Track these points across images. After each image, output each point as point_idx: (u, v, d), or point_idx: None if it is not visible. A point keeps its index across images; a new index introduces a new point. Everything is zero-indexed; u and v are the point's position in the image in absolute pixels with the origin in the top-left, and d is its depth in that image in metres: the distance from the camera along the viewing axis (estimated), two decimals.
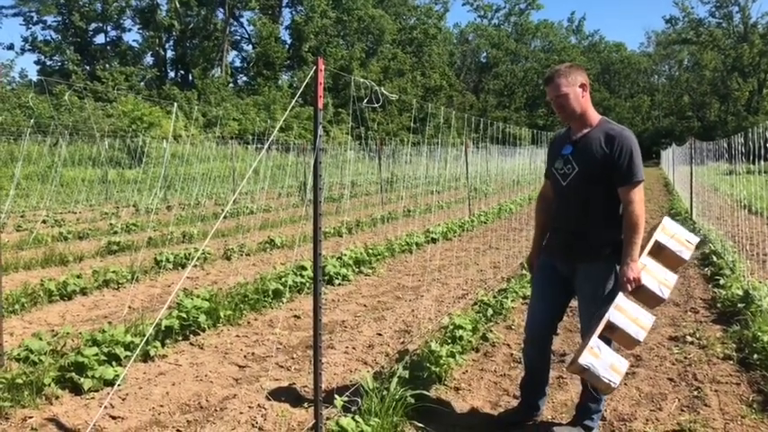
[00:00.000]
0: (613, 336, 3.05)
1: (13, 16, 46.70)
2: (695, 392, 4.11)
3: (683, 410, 3.85)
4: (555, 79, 3.23)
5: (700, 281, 7.62)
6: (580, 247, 3.27)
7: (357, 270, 8.05)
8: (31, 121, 21.00)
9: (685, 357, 4.79)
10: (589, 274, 3.28)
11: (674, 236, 3.28)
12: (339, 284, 7.39)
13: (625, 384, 4.24)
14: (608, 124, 3.26)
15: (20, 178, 16.20)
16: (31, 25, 46.36)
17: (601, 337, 3.05)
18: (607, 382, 2.91)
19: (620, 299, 3.08)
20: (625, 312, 3.04)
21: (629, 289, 3.08)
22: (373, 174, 25.32)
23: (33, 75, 46.41)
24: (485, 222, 13.65)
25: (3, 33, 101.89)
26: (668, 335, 5.40)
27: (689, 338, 5.22)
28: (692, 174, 13.90)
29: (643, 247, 3.21)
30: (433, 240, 10.70)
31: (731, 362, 4.67)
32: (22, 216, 14.05)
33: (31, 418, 3.67)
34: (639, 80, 75.48)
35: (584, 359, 2.93)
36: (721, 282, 6.90)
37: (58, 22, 46.70)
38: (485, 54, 70.09)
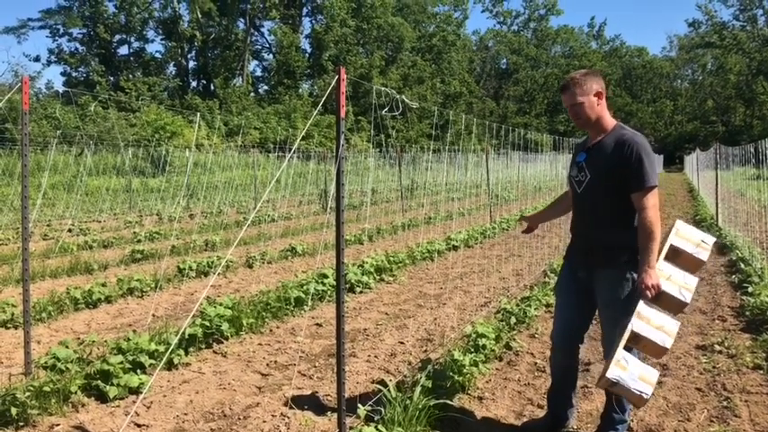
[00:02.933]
0: (639, 345, 3.00)
1: (39, 29, 47.87)
2: (724, 403, 4.03)
3: (712, 421, 3.78)
4: (570, 88, 3.26)
5: (727, 288, 7.49)
6: (597, 253, 3.27)
7: (378, 278, 8.04)
8: (58, 131, 21.39)
9: (714, 367, 4.70)
10: (606, 281, 3.26)
11: (688, 238, 3.22)
12: (360, 292, 7.39)
13: (652, 394, 4.17)
14: (621, 130, 3.25)
15: (46, 188, 16.48)
16: (57, 37, 47.42)
17: (626, 348, 3.00)
18: (639, 393, 2.84)
19: (642, 307, 3.03)
20: (648, 320, 2.99)
21: (650, 296, 3.03)
22: (393, 181, 25.34)
23: (59, 86, 47.37)
24: (506, 229, 13.57)
25: (30, 45, 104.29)
26: (695, 344, 5.30)
27: (717, 347, 5.12)
28: (717, 179, 13.67)
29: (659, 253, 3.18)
30: (455, 248, 10.66)
31: (761, 371, 4.57)
32: (48, 225, 14.28)
33: (57, 425, 3.72)
34: (662, 85, 74.61)
35: (612, 373, 2.86)
36: (749, 289, 6.77)
37: (84, 35, 47.67)
38: (505, 60, 69.88)
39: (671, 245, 3.21)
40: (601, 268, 3.27)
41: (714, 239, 3.33)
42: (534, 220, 3.97)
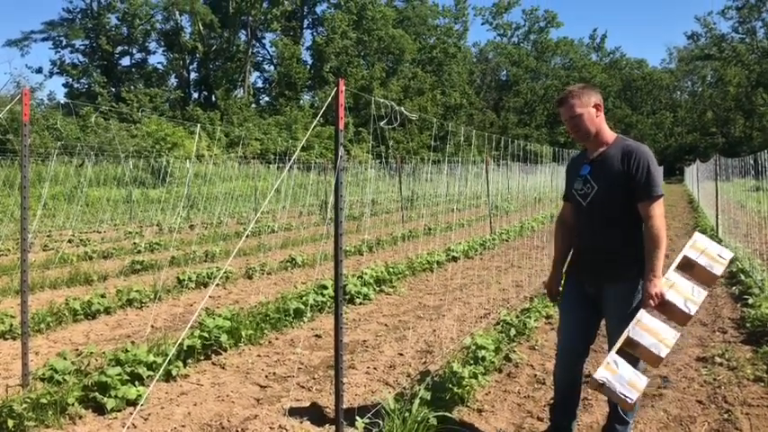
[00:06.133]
0: (636, 352, 3.00)
1: (42, 41, 48.13)
2: (725, 415, 4.00)
3: None
4: (568, 100, 3.24)
5: (728, 300, 7.47)
6: (606, 266, 3.23)
7: (378, 289, 8.02)
8: (59, 142, 21.45)
9: (714, 379, 4.68)
10: (617, 294, 3.23)
11: (704, 251, 3.19)
12: (360, 303, 7.37)
13: (652, 407, 4.15)
14: (624, 141, 3.25)
15: (47, 198, 16.49)
16: (59, 49, 47.76)
17: (625, 354, 3.00)
18: (623, 398, 2.87)
19: (642, 314, 3.03)
20: (646, 328, 2.99)
21: (653, 305, 3.03)
22: (394, 192, 25.35)
23: (61, 97, 47.60)
24: (506, 240, 13.56)
25: (32, 57, 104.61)
26: (696, 355, 5.28)
27: (718, 359, 5.10)
28: (717, 190, 13.67)
29: (671, 263, 3.17)
30: (455, 259, 10.64)
31: (762, 384, 4.55)
32: (48, 236, 14.27)
33: None
34: (662, 96, 74.83)
35: (600, 374, 2.92)
36: (750, 301, 6.74)
37: (86, 46, 48.02)
38: (505, 72, 70.14)
39: (684, 256, 3.19)
40: (612, 281, 3.23)
41: (732, 255, 3.28)
42: (555, 278, 3.63)
